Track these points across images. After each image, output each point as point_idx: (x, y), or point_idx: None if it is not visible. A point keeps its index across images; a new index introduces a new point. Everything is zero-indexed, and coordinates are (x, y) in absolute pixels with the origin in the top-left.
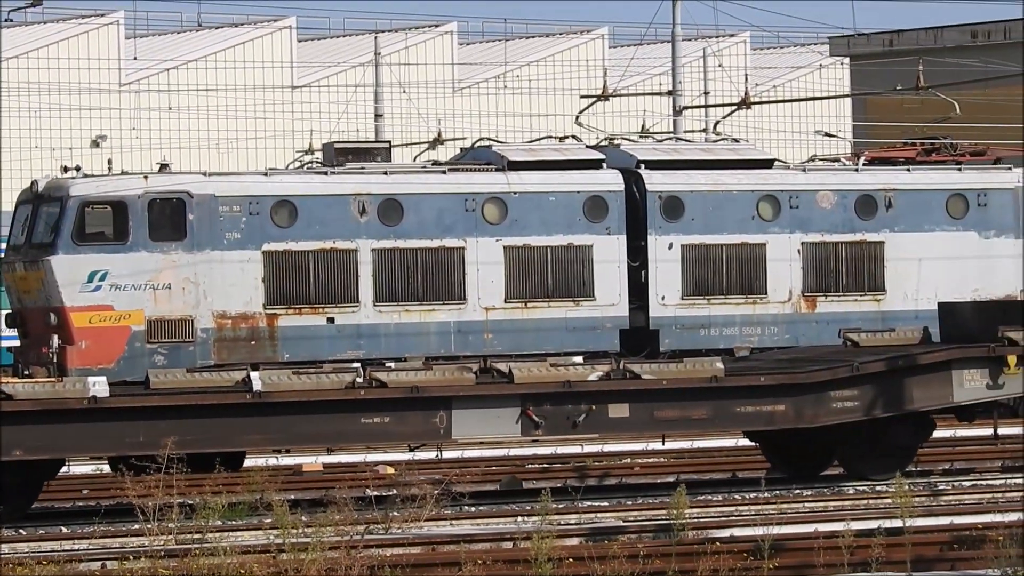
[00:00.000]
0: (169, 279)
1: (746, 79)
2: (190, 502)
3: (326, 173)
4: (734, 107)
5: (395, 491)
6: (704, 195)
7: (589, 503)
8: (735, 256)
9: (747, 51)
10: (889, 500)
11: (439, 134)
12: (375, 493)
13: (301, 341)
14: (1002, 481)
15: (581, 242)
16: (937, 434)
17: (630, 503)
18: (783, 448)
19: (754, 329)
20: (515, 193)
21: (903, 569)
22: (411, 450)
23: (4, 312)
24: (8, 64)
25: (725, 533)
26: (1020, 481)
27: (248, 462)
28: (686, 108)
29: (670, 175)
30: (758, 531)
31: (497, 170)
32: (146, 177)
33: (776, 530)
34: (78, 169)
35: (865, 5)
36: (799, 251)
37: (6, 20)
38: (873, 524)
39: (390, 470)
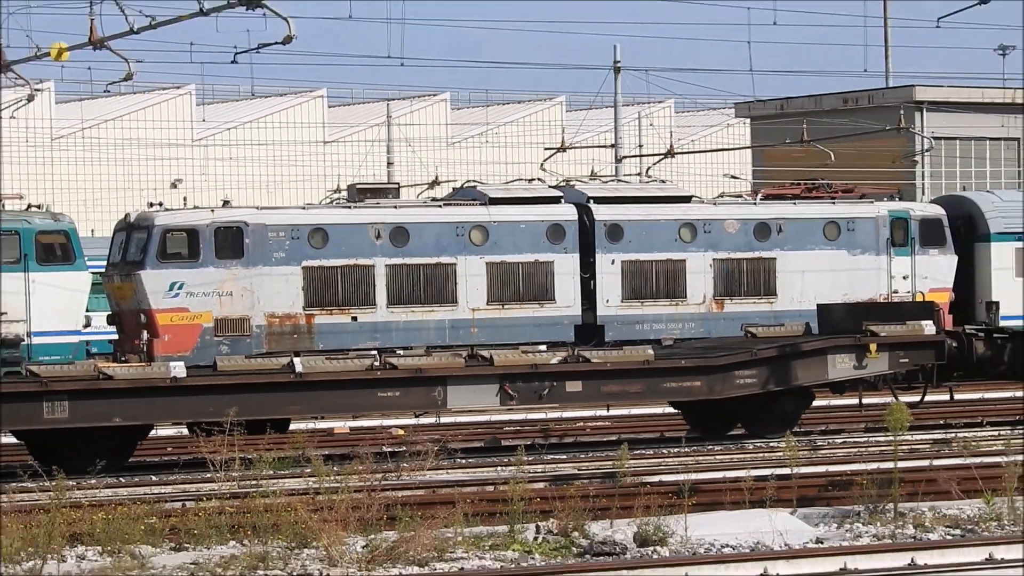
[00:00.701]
0: (231, 288)
1: (671, 135)
2: (248, 457)
3: (350, 207)
4: (661, 156)
5: (404, 448)
6: (638, 223)
7: (551, 456)
8: (662, 269)
9: (672, 113)
10: (780, 453)
11: (436, 177)
12: (389, 449)
13: (331, 335)
14: (866, 439)
15: (545, 259)
16: (816, 403)
17: (583, 456)
18: (699, 414)
19: (676, 324)
20: (494, 222)
21: (790, 506)
22: (416, 417)
23: (105, 313)
24: (107, 124)
25: (655, 479)
26: (881, 438)
27: (292, 426)
28: (625, 157)
29: (613, 208)
30: (680, 477)
31: (481, 204)
32: (213, 211)
33: (693, 476)
34: (160, 204)
35: (761, 77)
36: (711, 265)
37: (104, 91)
38: (767, 471)
39: (400, 432)
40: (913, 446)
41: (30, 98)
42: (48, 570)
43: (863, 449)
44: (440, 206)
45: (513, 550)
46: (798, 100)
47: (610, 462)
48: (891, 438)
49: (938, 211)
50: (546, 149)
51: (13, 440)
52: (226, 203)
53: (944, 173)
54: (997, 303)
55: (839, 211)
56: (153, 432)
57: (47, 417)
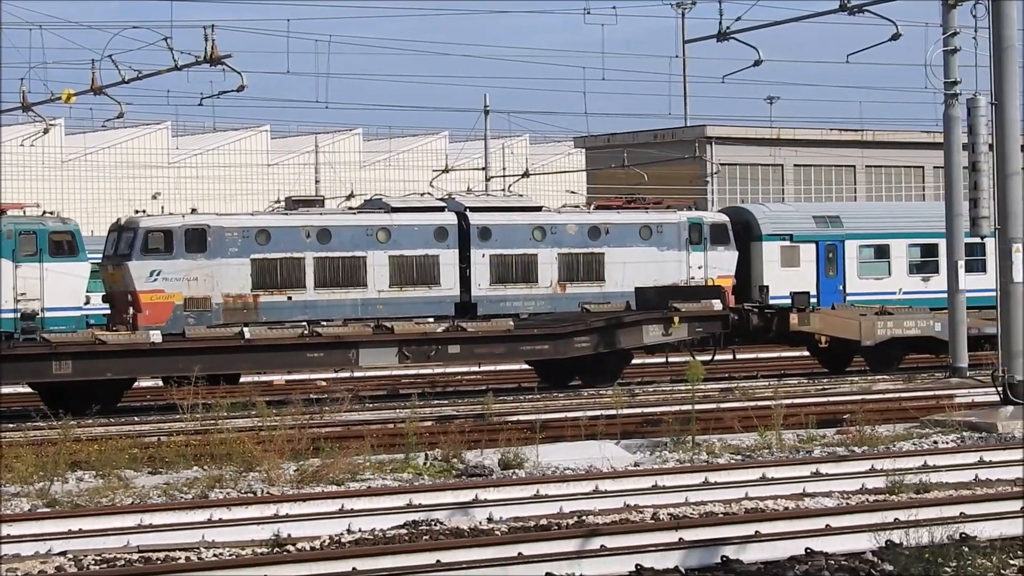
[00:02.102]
0: (197, 275)
1: (526, 161)
2: (208, 402)
3: (287, 214)
4: (519, 177)
5: (326, 395)
6: (502, 226)
7: (437, 401)
8: (520, 261)
9: (527, 145)
10: (608, 399)
11: (352, 192)
12: (315, 396)
13: (272, 310)
14: (671, 388)
15: (433, 253)
16: (634, 362)
17: (460, 402)
18: (547, 370)
19: (531, 303)
20: (395, 225)
21: (615, 438)
22: (335, 372)
23: (101, 294)
24: (104, 151)
25: (515, 418)
26: (682, 387)
27: (242, 379)
28: (492, 177)
29: (484, 215)
30: (533, 417)
31: (385, 212)
32: (183, 216)
33: (543, 416)
34: (144, 212)
35: (593, 118)
36: (556, 258)
37: (102, 126)
38: (599, 413)
39: (324, 384)
40: (706, 393)
41: (45, 131)
42: (55, 488)
43: (669, 396)
44: (355, 213)
45: (408, 472)
46: (620, 135)
47: (481, 406)
48: (690, 387)
49: (724, 218)
50: (434, 171)
51: (29, 390)
52: (194, 211)
53: (727, 190)
54: (767, 287)
55: (651, 218)
56: (136, 384)
57: (55, 372)
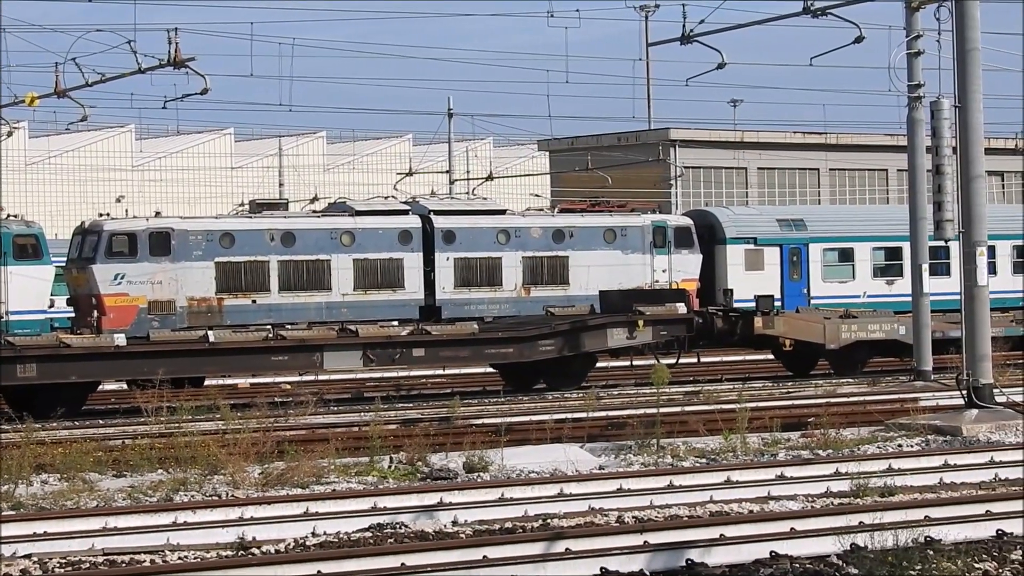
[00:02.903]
0: (161, 278)
1: (490, 164)
2: (172, 405)
3: (251, 217)
4: (483, 180)
5: (291, 399)
6: (467, 229)
7: (401, 404)
8: (484, 265)
9: (491, 147)
10: (573, 402)
11: (316, 195)
12: (280, 400)
13: (237, 313)
14: (635, 391)
15: (397, 256)
16: (599, 365)
17: (425, 405)
18: (512, 373)
19: (495, 306)
20: (359, 228)
21: (581, 441)
22: (300, 375)
23: (65, 297)
24: (68, 154)
25: (479, 421)
26: (646, 391)
27: (206, 383)
28: (456, 180)
29: (448, 218)
30: (498, 420)
31: (349, 215)
32: (147, 220)
33: (508, 419)
34: (108, 215)
35: (557, 121)
36: (520, 261)
37: (65, 129)
38: (565, 416)
39: (288, 386)
40: (671, 397)
41: (9, 134)
42: (19, 491)
43: (633, 399)
44: (319, 216)
45: (373, 475)
46: (584, 138)
47: (446, 409)
48: (655, 390)
49: (688, 221)
50: (397, 174)
51: None
52: (158, 214)
53: (691, 193)
54: (732, 290)
55: (615, 221)
56: (100, 387)
57: (20, 376)
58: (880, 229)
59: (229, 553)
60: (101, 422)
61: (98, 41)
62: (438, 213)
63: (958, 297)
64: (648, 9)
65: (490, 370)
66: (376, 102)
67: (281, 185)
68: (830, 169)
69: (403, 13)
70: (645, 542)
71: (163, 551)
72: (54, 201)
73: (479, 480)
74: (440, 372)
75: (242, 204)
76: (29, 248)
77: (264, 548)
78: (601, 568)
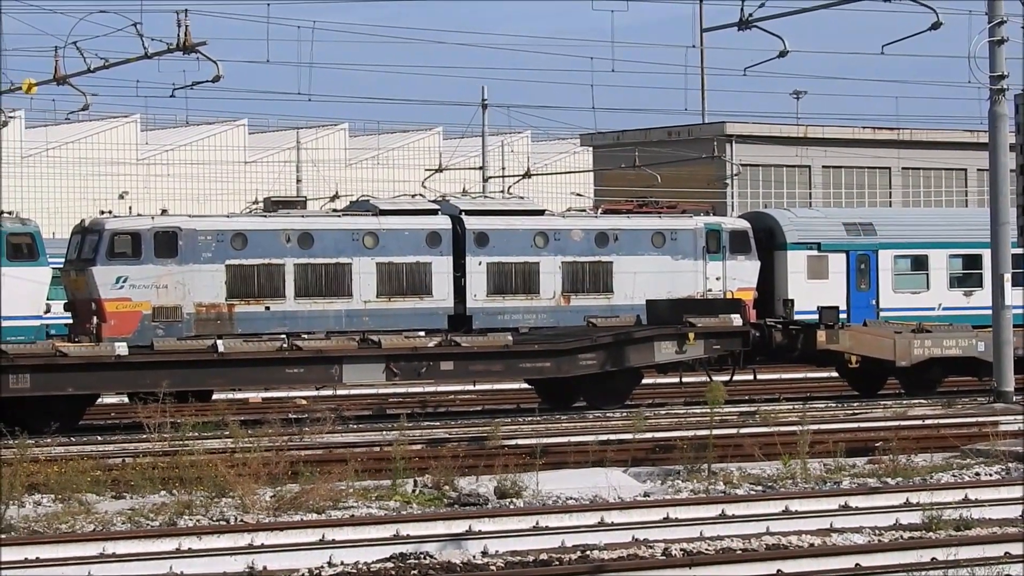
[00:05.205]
0: (166, 282)
1: (528, 160)
2: (177, 421)
3: (265, 216)
4: (520, 177)
5: (306, 415)
6: (501, 231)
7: (428, 423)
8: (520, 270)
9: (529, 142)
10: (615, 422)
11: (336, 192)
12: (294, 416)
13: (248, 321)
14: (685, 411)
15: (425, 260)
16: (644, 381)
17: (452, 423)
18: (549, 389)
19: (531, 315)
20: (384, 229)
21: (624, 465)
22: (317, 389)
23: (63, 302)
24: (68, 146)
25: (513, 442)
26: (697, 411)
27: (214, 396)
28: (490, 178)
29: (480, 219)
30: (533, 441)
31: (372, 215)
32: (153, 218)
33: (544, 440)
34: (110, 212)
35: (601, 113)
36: (560, 267)
37: (65, 119)
38: (609, 437)
39: (304, 402)
40: (723, 417)
41: (4, 124)
42: (10, 513)
43: (683, 419)
44: (339, 216)
45: (395, 500)
46: (631, 132)
47: (477, 428)
48: (705, 410)
49: (745, 224)
50: (426, 170)
51: None
52: (164, 212)
53: (749, 193)
54: (792, 300)
55: (664, 224)
56: (99, 400)
57: (12, 387)
58: (958, 235)
59: None
60: (99, 438)
61: (101, 23)
62: (470, 213)
63: None
64: None
65: (525, 386)
66: (403, 91)
67: (299, 181)
68: (903, 168)
69: None
70: None
71: None
72: (52, 197)
73: (512, 507)
74: (470, 388)
75: (256, 202)
76: (24, 248)
77: None
78: None
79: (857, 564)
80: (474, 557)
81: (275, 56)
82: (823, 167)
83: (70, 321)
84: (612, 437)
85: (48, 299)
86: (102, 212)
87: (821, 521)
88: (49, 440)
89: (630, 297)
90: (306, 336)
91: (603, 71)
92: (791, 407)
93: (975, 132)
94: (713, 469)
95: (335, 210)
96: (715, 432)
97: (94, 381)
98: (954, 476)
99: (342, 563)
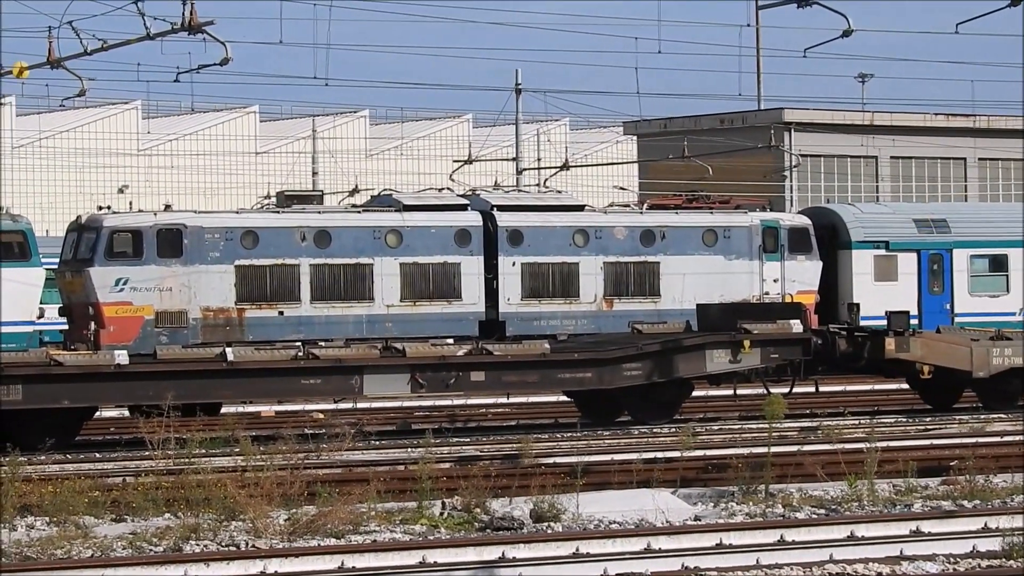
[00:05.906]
0: (170, 284)
1: (566, 150)
2: (182, 437)
3: (278, 212)
4: (557, 169)
5: (324, 430)
6: (537, 229)
7: (456, 439)
8: (557, 271)
9: (567, 131)
10: (663, 438)
11: (356, 186)
12: (310, 432)
13: (260, 327)
14: (739, 426)
15: (453, 260)
16: (695, 393)
17: (484, 440)
18: (589, 402)
19: (570, 321)
20: (408, 227)
21: (672, 486)
22: (335, 402)
23: (57, 306)
24: (62, 135)
25: (550, 460)
26: (753, 426)
27: (223, 410)
28: (525, 170)
29: (514, 215)
30: (573, 459)
31: (395, 211)
32: (155, 214)
33: (585, 458)
34: (109, 208)
35: (647, 99)
36: (601, 268)
37: (60, 105)
38: (656, 455)
39: (321, 416)
40: (782, 433)
41: None
42: (1, 537)
43: (737, 436)
44: (359, 212)
45: (421, 524)
46: (680, 120)
47: (510, 444)
48: (762, 425)
49: (805, 221)
50: (454, 161)
51: None
52: (167, 207)
53: (810, 187)
54: (858, 305)
55: (716, 220)
56: (97, 413)
57: (3, 399)
58: None
59: None
60: (98, 455)
61: (99, 1)
62: (502, 209)
63: None
64: None
65: (563, 399)
66: (429, 75)
67: (315, 174)
68: (979, 159)
69: None
70: None
71: None
72: (45, 191)
73: (549, 531)
74: (503, 400)
75: (268, 196)
76: (15, 247)
77: None
78: None
79: None
80: None
81: (289, 37)
82: (891, 158)
83: (65, 327)
84: (659, 455)
85: (41, 303)
86: (100, 208)
87: (890, 548)
88: (43, 457)
89: (679, 301)
90: (323, 344)
91: (649, 53)
92: (857, 422)
93: None
94: (771, 490)
95: (355, 205)
96: (773, 449)
97: (92, 393)
98: None
99: None
